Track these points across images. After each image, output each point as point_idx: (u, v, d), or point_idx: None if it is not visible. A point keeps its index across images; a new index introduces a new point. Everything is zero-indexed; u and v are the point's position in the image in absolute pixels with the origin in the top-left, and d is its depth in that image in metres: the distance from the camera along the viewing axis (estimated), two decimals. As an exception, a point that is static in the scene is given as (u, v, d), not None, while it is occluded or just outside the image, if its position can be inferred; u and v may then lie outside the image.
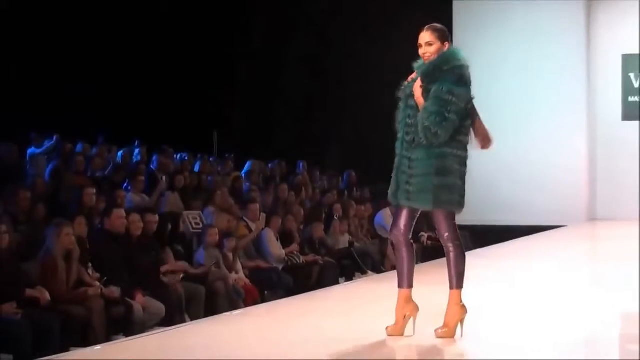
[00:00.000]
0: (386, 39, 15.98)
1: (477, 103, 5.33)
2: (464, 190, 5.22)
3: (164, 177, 11.07)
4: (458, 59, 5.20)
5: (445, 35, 5.27)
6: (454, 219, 5.24)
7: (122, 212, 8.44)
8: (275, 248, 10.46)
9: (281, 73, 16.70)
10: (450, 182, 5.14)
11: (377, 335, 5.36)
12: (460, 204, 5.21)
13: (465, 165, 5.22)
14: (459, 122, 5.11)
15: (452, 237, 5.23)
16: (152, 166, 11.64)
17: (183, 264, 9.05)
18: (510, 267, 9.86)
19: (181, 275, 8.81)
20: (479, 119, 5.32)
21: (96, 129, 12.78)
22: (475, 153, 5.35)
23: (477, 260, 10.27)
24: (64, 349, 6.79)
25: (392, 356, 5.18)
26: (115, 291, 7.78)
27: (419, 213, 5.29)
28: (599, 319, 6.47)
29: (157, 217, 8.97)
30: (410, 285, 5.27)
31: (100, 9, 14.90)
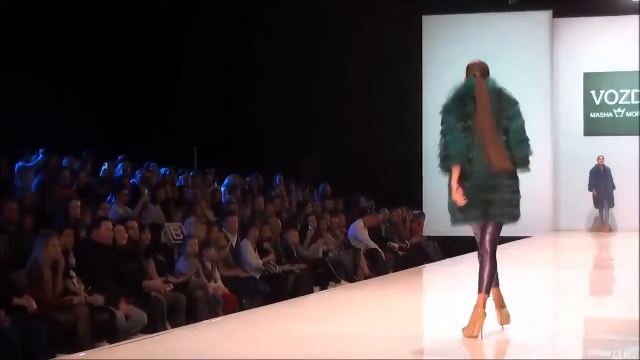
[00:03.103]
0: (356, 54, 16.21)
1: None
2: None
3: (146, 191, 11.19)
4: (453, 89, 5.78)
5: (467, 70, 5.90)
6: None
7: (110, 224, 8.53)
8: (253, 258, 10.55)
9: (258, 93, 16.93)
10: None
11: (350, 338, 5.61)
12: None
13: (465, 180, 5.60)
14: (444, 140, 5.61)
15: None
16: (135, 180, 11.76)
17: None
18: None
19: (169, 287, 8.89)
20: (489, 137, 5.68)
21: (82, 145, 12.81)
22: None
23: (448, 269, 10.54)
24: (51, 355, 6.81)
25: (366, 356, 5.39)
26: (99, 299, 7.86)
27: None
28: (562, 324, 6.72)
29: (136, 224, 9.09)
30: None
31: (88, 26, 14.98)
